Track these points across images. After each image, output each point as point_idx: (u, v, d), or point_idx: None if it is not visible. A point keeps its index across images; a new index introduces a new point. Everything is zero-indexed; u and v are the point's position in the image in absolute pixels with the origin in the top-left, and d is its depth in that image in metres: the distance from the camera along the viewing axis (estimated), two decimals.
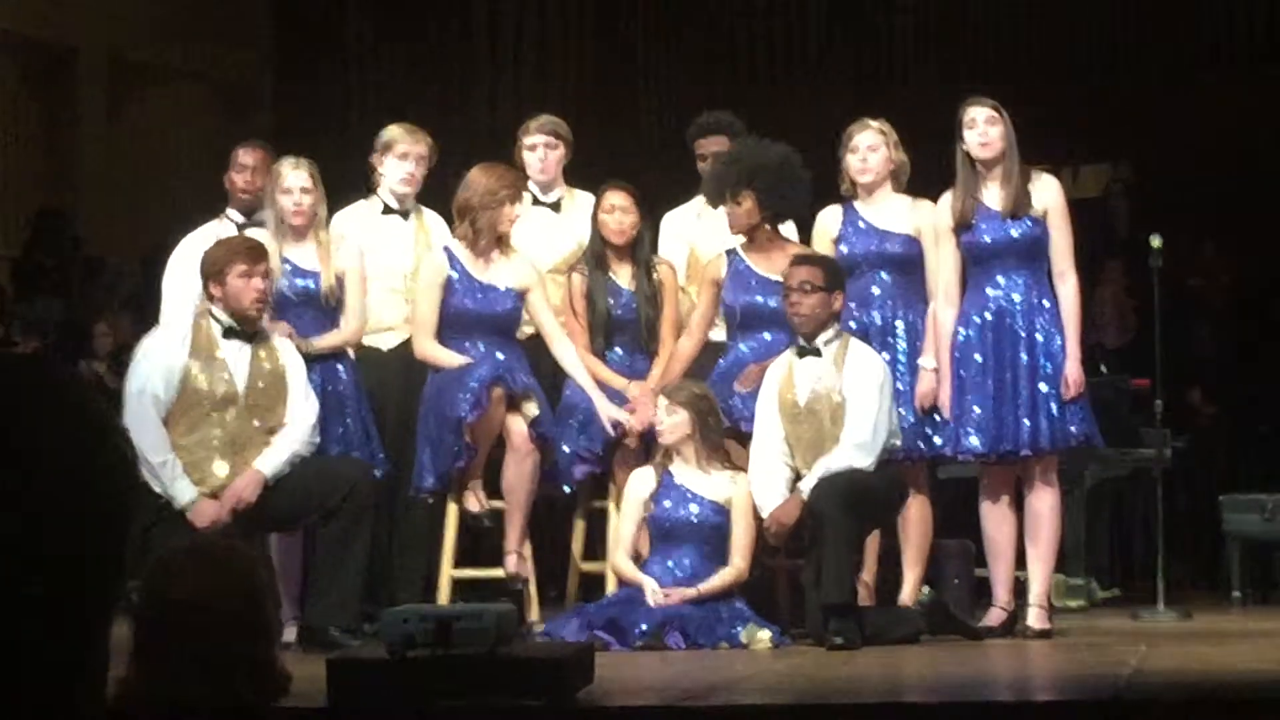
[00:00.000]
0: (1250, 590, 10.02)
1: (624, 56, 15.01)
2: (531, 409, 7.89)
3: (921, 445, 7.97)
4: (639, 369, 8.26)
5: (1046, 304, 7.84)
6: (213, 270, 7.58)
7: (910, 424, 7.90)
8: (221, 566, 3.22)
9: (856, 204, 8.20)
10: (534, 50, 15.02)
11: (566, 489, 8.16)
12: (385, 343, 8.34)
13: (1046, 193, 7.94)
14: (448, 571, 7.96)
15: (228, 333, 7.56)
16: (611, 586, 7.91)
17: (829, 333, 7.71)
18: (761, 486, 7.64)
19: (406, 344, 8.21)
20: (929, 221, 8.03)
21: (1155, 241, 8.81)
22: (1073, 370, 7.78)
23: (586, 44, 15.06)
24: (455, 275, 8.07)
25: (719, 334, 8.29)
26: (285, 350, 7.67)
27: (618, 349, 8.31)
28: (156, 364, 7.51)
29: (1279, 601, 10.08)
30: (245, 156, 8.73)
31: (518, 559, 7.93)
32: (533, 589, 8.03)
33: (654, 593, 7.57)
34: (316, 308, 8.00)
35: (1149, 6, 14.29)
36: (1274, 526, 9.95)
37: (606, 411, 8.03)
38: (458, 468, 7.89)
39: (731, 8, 14.98)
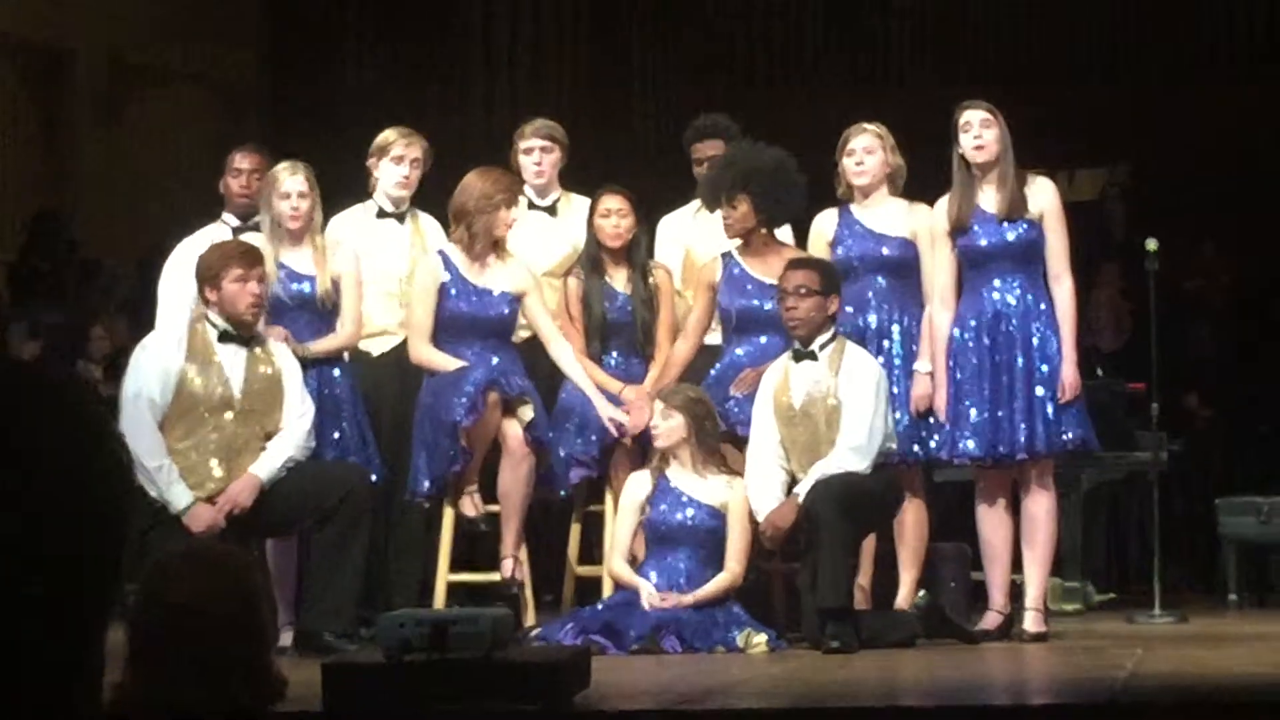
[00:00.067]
0: (1246, 593, 10.00)
1: (620, 60, 15.00)
2: (527, 413, 7.88)
3: (917, 449, 7.97)
4: (635, 373, 8.25)
5: (1042, 307, 7.83)
6: (208, 274, 7.57)
7: (906, 427, 7.90)
8: (217, 571, 3.22)
9: (853, 207, 8.19)
10: (530, 54, 15.01)
11: (562, 493, 8.16)
12: (380, 347, 8.33)
13: (1042, 196, 7.94)
14: (443, 576, 7.95)
15: (223, 337, 7.55)
16: (607, 590, 7.90)
17: (825, 336, 7.71)
18: (757, 490, 7.64)
19: (402, 348, 8.20)
20: (925, 225, 8.02)
21: (1151, 245, 8.81)
22: (1068, 374, 7.78)
23: (582, 47, 15.04)
24: (450, 279, 8.07)
25: (715, 338, 8.28)
26: (281, 355, 7.67)
27: (613, 353, 8.31)
28: (153, 368, 7.51)
29: (1275, 604, 10.06)
30: (242, 161, 8.71)
31: (513, 563, 7.92)
32: (528, 593, 8.02)
33: (650, 596, 7.57)
34: (312, 312, 8.00)
35: (1149, 7, 14.28)
36: (1270, 529, 9.94)
37: (606, 412, 8.02)
38: (453, 472, 7.88)
39: (727, 11, 14.96)
